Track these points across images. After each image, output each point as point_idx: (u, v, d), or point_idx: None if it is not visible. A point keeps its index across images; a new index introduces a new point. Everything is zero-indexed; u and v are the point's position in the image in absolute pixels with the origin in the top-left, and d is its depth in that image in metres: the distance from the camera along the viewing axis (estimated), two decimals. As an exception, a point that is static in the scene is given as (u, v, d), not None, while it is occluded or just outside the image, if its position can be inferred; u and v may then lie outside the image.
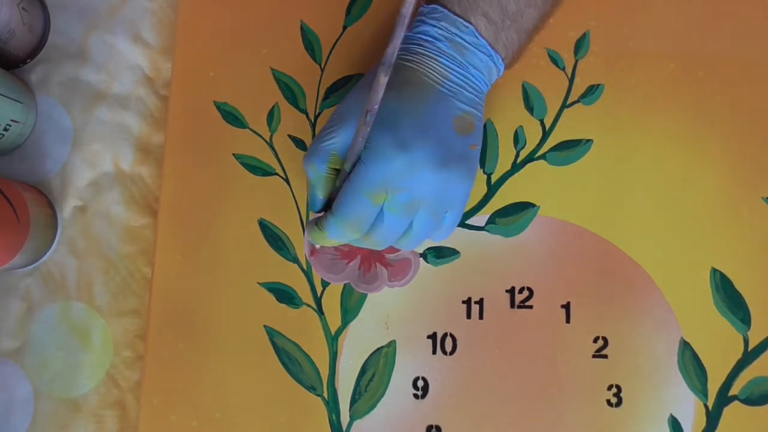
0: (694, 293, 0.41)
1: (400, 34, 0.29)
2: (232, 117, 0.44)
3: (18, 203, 0.41)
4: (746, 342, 0.40)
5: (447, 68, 0.36)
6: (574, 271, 0.41)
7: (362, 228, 0.35)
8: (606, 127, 0.42)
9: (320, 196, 0.36)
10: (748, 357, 0.40)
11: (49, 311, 0.44)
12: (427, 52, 0.36)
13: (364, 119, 0.32)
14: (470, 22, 0.36)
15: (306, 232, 0.38)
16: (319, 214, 0.37)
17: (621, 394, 0.40)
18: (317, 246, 0.40)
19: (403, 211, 0.34)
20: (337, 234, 0.35)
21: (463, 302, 0.42)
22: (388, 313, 0.42)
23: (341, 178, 0.35)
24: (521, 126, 0.42)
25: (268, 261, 0.42)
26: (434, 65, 0.36)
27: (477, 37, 0.36)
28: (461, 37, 0.36)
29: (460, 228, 0.42)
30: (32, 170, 0.45)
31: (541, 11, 0.37)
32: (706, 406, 0.40)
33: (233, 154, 0.43)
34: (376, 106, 0.31)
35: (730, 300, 0.40)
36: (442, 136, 0.34)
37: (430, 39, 0.36)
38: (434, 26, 0.36)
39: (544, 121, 0.42)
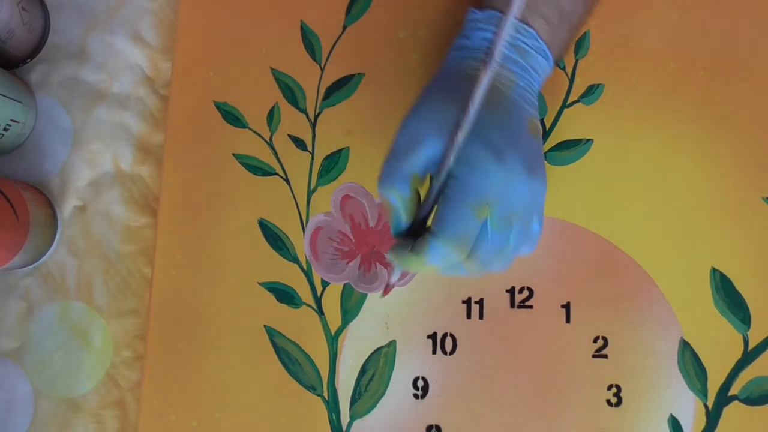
0: (694, 293, 0.41)
1: (500, 47, 0.28)
2: (232, 117, 0.44)
3: (18, 203, 0.41)
4: (746, 342, 0.40)
5: (514, 73, 0.35)
6: (574, 271, 0.41)
7: (467, 246, 0.32)
8: (606, 127, 0.42)
9: (405, 219, 0.34)
10: (748, 357, 0.40)
11: (49, 311, 0.44)
12: None
13: (455, 137, 0.30)
14: (531, 26, 0.35)
15: (393, 258, 0.34)
16: (402, 241, 0.34)
17: (621, 394, 0.40)
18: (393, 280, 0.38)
19: (503, 224, 0.32)
20: (440, 256, 0.32)
21: (463, 302, 0.42)
22: (388, 313, 0.42)
23: (432, 197, 0.33)
24: (521, 126, 0.42)
25: (268, 261, 0.42)
26: (503, 71, 0.35)
27: (538, 41, 0.35)
28: (523, 41, 0.35)
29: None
30: (32, 170, 0.45)
31: (587, 7, 0.37)
32: (706, 406, 0.40)
33: (233, 154, 0.43)
34: (467, 129, 0.30)
35: (730, 300, 0.40)
36: (526, 143, 0.33)
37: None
38: (495, 32, 0.35)
39: (544, 120, 0.42)
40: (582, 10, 0.37)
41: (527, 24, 0.35)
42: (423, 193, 0.34)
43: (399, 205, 0.34)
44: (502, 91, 0.34)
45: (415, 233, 0.34)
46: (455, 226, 0.32)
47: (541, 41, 0.35)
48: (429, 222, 0.34)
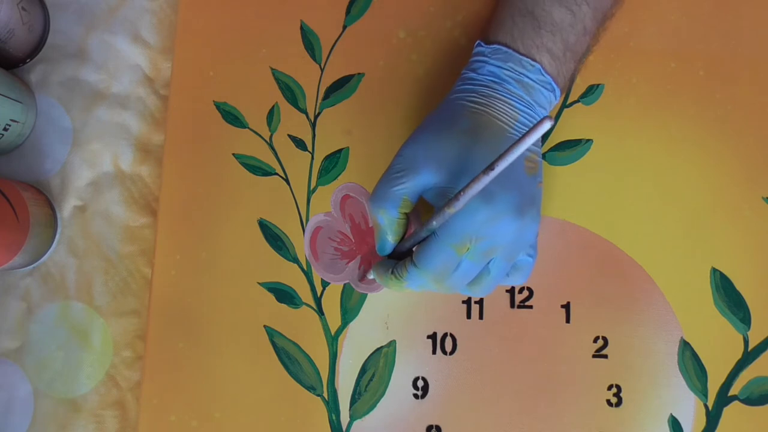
0: (694, 293, 0.41)
1: (515, 154, 0.28)
2: (232, 117, 0.44)
3: (18, 203, 0.41)
4: (746, 342, 0.40)
5: (517, 110, 0.35)
6: (574, 271, 0.41)
7: (444, 278, 0.34)
8: (606, 127, 0.42)
9: (391, 240, 0.36)
10: (748, 357, 0.40)
11: (49, 311, 0.44)
12: (497, 95, 0.35)
13: (453, 202, 0.31)
14: (536, 60, 0.35)
15: (376, 275, 0.37)
16: (388, 259, 0.36)
17: (621, 394, 0.40)
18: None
19: (481, 257, 0.34)
20: (417, 284, 0.35)
21: (463, 302, 0.42)
22: (388, 313, 0.42)
23: (426, 229, 0.33)
24: (521, 126, 0.42)
25: (268, 261, 0.42)
26: (505, 108, 0.35)
27: (543, 75, 0.35)
28: (528, 77, 0.35)
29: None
30: (32, 170, 0.45)
31: (592, 36, 0.37)
32: (706, 406, 0.40)
33: (233, 154, 0.43)
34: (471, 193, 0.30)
35: (730, 300, 0.40)
36: (518, 182, 0.34)
37: (499, 81, 0.35)
38: (501, 67, 0.35)
39: (544, 120, 0.42)
40: (588, 40, 0.37)
41: (532, 59, 0.35)
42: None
43: (386, 226, 0.35)
44: (503, 129, 0.35)
45: (399, 255, 0.36)
46: (434, 263, 0.33)
47: (546, 75, 0.35)
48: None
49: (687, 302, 0.41)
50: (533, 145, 0.36)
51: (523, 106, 0.35)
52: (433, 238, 0.33)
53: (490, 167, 0.29)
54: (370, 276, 0.39)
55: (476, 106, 0.35)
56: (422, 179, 0.34)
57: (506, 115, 0.35)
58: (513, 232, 0.33)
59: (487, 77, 0.36)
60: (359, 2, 0.44)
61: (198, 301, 0.42)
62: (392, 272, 0.35)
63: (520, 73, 0.35)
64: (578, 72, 0.38)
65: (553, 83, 0.36)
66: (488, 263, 0.34)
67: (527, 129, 0.35)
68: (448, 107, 0.36)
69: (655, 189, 0.42)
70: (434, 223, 0.33)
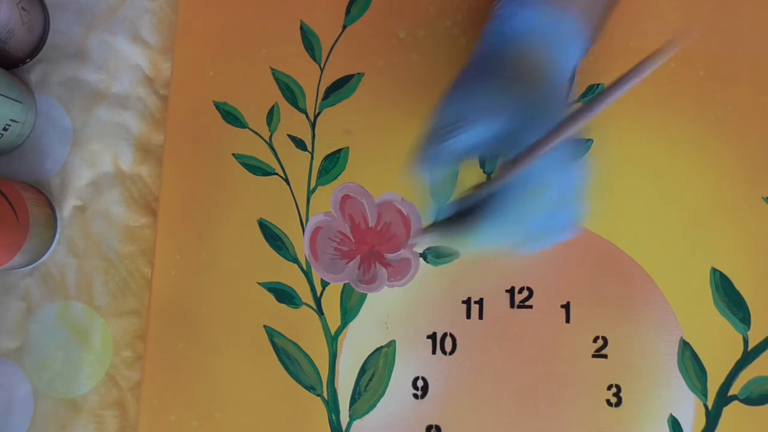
0: (694, 293, 0.41)
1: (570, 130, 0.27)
2: (232, 117, 0.44)
3: (18, 203, 0.41)
4: (746, 342, 0.40)
5: (552, 57, 0.34)
6: (574, 271, 0.41)
7: (518, 232, 0.32)
8: (606, 127, 0.42)
9: (447, 200, 0.35)
10: (748, 357, 0.40)
11: (49, 311, 0.44)
12: (529, 42, 0.34)
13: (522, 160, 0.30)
14: (563, 8, 0.34)
15: (434, 239, 0.35)
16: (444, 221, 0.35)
17: (621, 394, 0.40)
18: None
19: (547, 206, 0.32)
20: (486, 240, 0.32)
21: (463, 302, 0.42)
22: (388, 313, 0.42)
23: (486, 191, 0.32)
24: (521, 126, 0.42)
25: (268, 261, 0.42)
26: (541, 54, 0.34)
27: (572, 23, 0.34)
28: (556, 25, 0.34)
29: (460, 228, 0.42)
30: (32, 170, 0.45)
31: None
32: (705, 406, 0.40)
33: (233, 154, 0.43)
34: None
35: (730, 300, 0.40)
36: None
37: (529, 29, 0.34)
38: (529, 15, 0.34)
39: (544, 120, 0.42)
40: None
41: (559, 8, 0.34)
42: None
43: (439, 185, 0.34)
44: (545, 73, 0.33)
45: (455, 217, 0.34)
46: (509, 213, 0.31)
47: (574, 21, 0.34)
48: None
49: (687, 302, 0.41)
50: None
51: (557, 54, 0.34)
52: (500, 193, 0.31)
53: (545, 141, 0.28)
54: (417, 238, 0.36)
55: (512, 53, 0.34)
56: (472, 134, 0.32)
57: (545, 61, 0.34)
58: (576, 175, 0.32)
59: (516, 27, 0.34)
60: (359, 2, 0.44)
61: (198, 301, 0.42)
62: (460, 230, 0.33)
63: (547, 22, 0.34)
64: (605, 24, 0.37)
65: (583, 28, 0.35)
66: (552, 211, 0.33)
67: (568, 72, 0.35)
68: (484, 58, 0.35)
69: (655, 189, 0.42)
70: (496, 183, 0.31)
